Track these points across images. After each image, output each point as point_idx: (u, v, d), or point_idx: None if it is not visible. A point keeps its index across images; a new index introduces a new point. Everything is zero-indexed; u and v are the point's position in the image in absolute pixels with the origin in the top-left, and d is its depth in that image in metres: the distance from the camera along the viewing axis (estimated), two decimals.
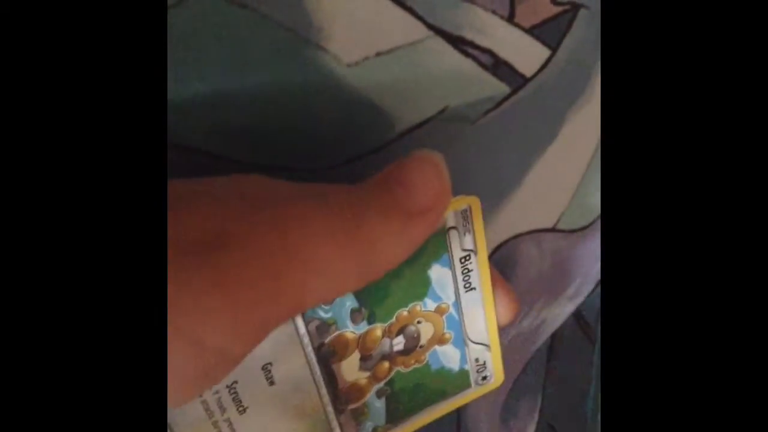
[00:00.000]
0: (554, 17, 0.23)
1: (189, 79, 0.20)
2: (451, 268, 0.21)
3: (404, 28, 0.21)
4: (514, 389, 0.35)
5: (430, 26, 0.21)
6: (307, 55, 0.21)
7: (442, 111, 0.23)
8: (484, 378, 0.23)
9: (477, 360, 0.23)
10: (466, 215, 0.20)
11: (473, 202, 0.20)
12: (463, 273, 0.21)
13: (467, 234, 0.20)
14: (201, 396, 0.18)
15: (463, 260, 0.21)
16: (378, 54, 0.21)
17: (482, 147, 0.24)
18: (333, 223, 0.16)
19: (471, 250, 0.21)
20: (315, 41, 0.21)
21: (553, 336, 0.34)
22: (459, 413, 0.33)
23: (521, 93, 0.24)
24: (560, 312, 0.32)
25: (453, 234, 0.20)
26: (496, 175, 0.25)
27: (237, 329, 0.15)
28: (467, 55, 0.22)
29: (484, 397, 0.33)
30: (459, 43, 0.22)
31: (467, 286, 0.21)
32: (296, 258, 0.15)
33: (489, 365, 0.23)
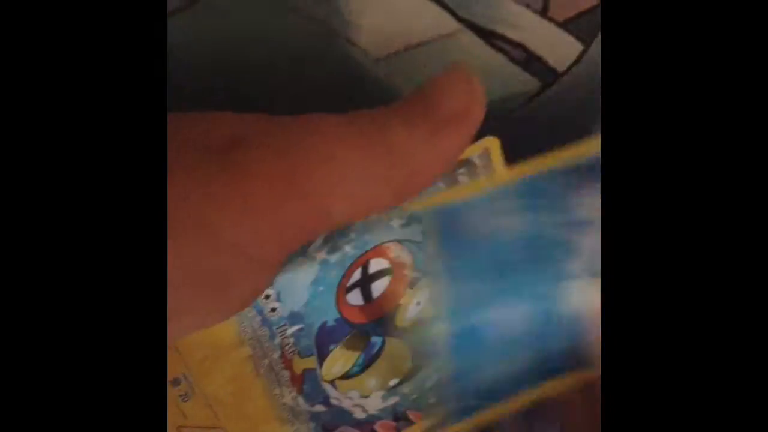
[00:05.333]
0: (589, 11, 0.22)
1: (215, 71, 0.20)
2: None
3: (434, 21, 0.21)
4: None
5: (461, 20, 0.21)
6: (336, 48, 0.20)
7: None
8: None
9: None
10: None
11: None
12: None
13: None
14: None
15: None
16: (407, 48, 0.21)
17: (512, 143, 0.24)
18: (352, 128, 0.16)
19: None
20: (344, 35, 0.20)
21: None
22: None
23: (553, 89, 0.23)
24: None
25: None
26: None
27: (253, 226, 0.15)
28: (498, 49, 0.22)
29: None
30: (490, 37, 0.22)
31: None
32: (315, 158, 0.15)
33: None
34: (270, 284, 0.18)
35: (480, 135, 0.21)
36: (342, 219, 0.16)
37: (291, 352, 0.20)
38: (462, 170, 0.19)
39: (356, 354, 0.20)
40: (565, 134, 0.25)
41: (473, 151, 0.19)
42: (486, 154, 0.19)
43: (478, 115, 0.16)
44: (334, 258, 0.19)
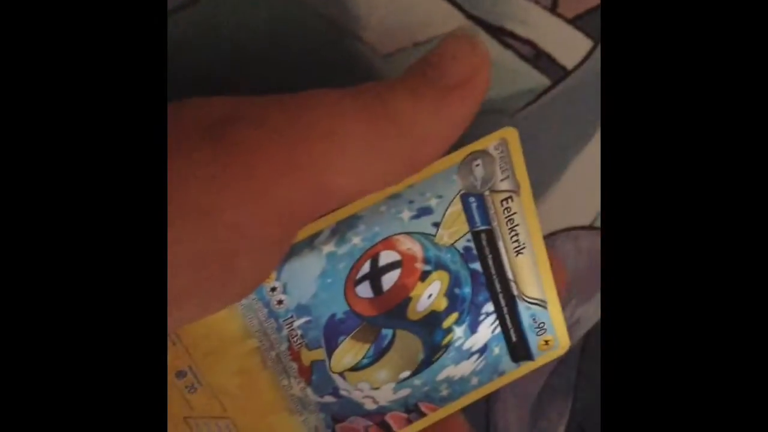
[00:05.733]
0: (598, 7, 0.22)
1: (220, 66, 0.20)
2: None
3: (442, 17, 0.21)
4: (545, 390, 0.34)
5: (469, 16, 0.21)
6: (344, 45, 0.20)
7: None
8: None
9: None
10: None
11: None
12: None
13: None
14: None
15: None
16: (415, 44, 0.21)
17: (520, 140, 0.23)
18: (354, 102, 0.15)
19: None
20: (351, 31, 0.20)
21: (586, 336, 0.33)
22: (488, 413, 0.33)
23: (562, 86, 0.23)
24: (594, 312, 0.32)
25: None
26: (534, 170, 0.25)
27: (253, 206, 0.14)
28: (507, 46, 0.22)
29: (515, 396, 0.33)
30: (499, 33, 0.22)
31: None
32: (313, 134, 0.15)
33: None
34: (274, 267, 0.17)
35: (489, 131, 0.21)
36: (346, 195, 0.16)
37: (299, 344, 0.19)
38: (478, 161, 0.19)
39: (366, 346, 0.20)
40: (573, 131, 0.25)
41: (489, 142, 0.19)
42: (503, 145, 0.19)
43: (485, 79, 0.16)
44: (342, 250, 0.19)
